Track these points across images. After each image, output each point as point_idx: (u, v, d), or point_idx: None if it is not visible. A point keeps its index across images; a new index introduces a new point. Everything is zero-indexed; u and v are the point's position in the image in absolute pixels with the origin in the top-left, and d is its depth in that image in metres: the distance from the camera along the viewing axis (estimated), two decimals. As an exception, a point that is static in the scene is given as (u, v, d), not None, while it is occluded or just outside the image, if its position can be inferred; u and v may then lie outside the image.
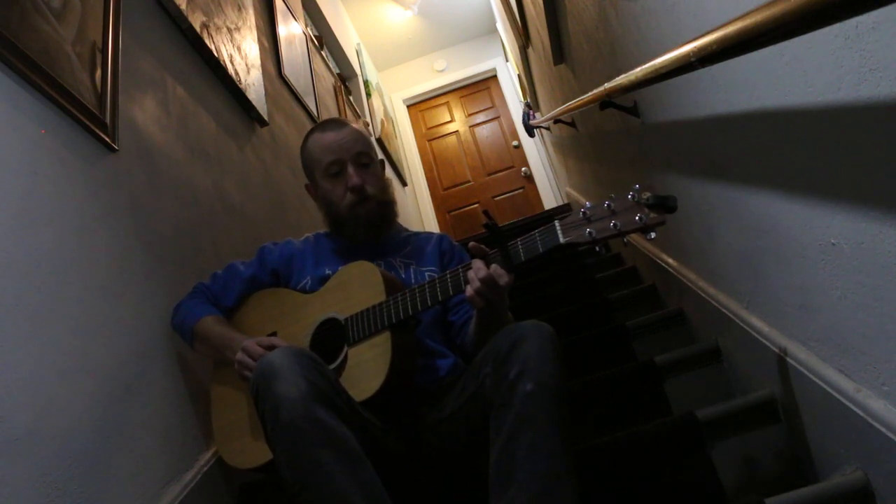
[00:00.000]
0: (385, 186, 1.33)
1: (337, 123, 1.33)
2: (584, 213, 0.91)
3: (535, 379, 0.88)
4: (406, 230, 1.43)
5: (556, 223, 0.93)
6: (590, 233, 0.89)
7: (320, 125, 1.35)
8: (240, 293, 1.31)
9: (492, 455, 0.89)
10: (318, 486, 0.81)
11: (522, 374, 0.88)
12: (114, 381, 1.08)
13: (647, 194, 0.86)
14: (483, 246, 1.01)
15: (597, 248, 0.93)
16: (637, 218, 0.86)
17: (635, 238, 2.23)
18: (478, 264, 0.98)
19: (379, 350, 1.05)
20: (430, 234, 1.42)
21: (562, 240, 0.92)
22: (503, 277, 0.97)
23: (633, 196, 0.88)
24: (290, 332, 1.20)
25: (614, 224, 0.88)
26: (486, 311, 1.05)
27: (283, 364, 0.88)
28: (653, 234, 0.86)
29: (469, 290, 0.98)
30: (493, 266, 0.97)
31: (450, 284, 1.03)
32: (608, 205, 0.90)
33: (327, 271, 1.26)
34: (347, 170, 1.27)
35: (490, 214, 0.98)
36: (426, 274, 1.28)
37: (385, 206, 1.31)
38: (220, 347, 1.19)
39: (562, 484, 0.83)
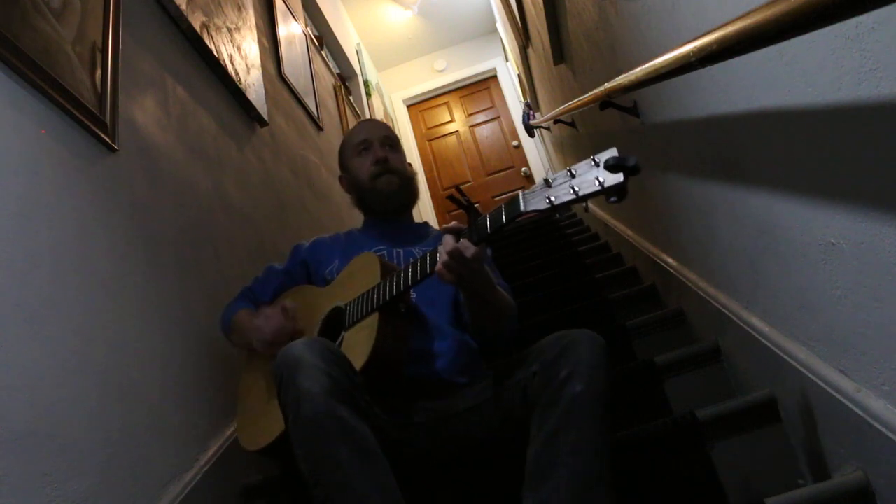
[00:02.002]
0: (409, 173, 1.46)
1: (369, 119, 1.51)
2: (546, 180, 0.89)
3: (586, 381, 0.88)
4: (419, 223, 1.53)
5: (520, 193, 0.92)
6: (549, 199, 0.86)
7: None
8: (276, 287, 1.41)
9: (531, 449, 0.89)
10: (334, 483, 0.82)
11: (572, 376, 0.89)
12: (114, 381, 1.08)
13: (608, 157, 0.81)
14: (456, 224, 1.03)
15: (556, 216, 0.90)
16: (595, 179, 0.81)
17: (633, 235, 2.23)
18: (446, 238, 0.99)
19: (366, 332, 1.07)
20: (436, 229, 1.52)
21: (523, 208, 0.90)
22: (469, 249, 0.97)
23: (593, 160, 0.83)
24: (306, 323, 1.26)
25: (573, 188, 0.83)
26: (464, 287, 1.07)
27: (307, 357, 0.89)
28: (613, 199, 0.81)
29: (438, 265, 0.99)
30: (462, 240, 0.98)
31: (428, 262, 1.05)
32: (570, 171, 0.86)
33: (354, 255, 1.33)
34: (374, 145, 1.42)
35: (461, 190, 0.97)
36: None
37: (408, 182, 1.43)
38: (246, 332, 1.28)
39: (601, 486, 0.84)
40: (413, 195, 1.45)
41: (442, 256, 0.98)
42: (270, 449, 1.10)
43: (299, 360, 0.89)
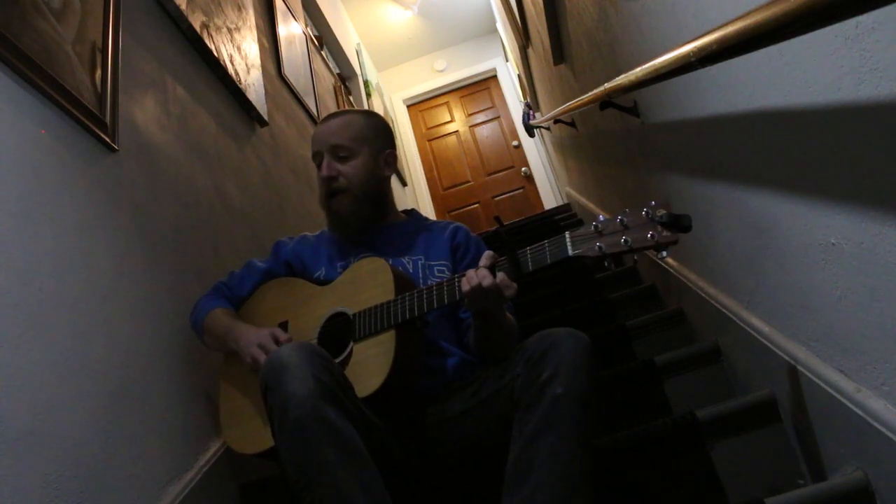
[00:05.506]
0: (369, 181, 1.27)
1: (333, 115, 1.33)
2: (595, 226, 0.91)
3: (566, 384, 0.88)
4: (423, 220, 1.40)
5: (567, 235, 0.93)
6: (599, 247, 0.89)
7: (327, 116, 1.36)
8: (255, 285, 1.33)
9: (512, 452, 0.89)
10: (322, 485, 0.82)
11: (554, 378, 0.89)
12: (114, 381, 1.08)
13: (662, 212, 0.85)
14: (492, 252, 1.01)
15: (605, 264, 0.91)
16: (649, 235, 0.85)
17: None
18: (483, 272, 0.98)
19: (382, 348, 1.05)
20: (447, 224, 1.36)
21: (570, 252, 0.92)
22: (509, 289, 0.97)
23: (647, 212, 0.86)
24: (301, 322, 1.21)
25: (625, 240, 0.87)
26: (483, 314, 1.05)
27: (293, 360, 0.88)
28: (664, 254, 0.85)
29: (466, 289, 0.98)
30: (500, 274, 0.97)
31: (457, 288, 1.03)
32: (621, 220, 0.89)
33: (339, 263, 1.27)
34: (323, 159, 1.27)
35: (501, 221, 0.98)
36: (436, 269, 1.26)
37: (361, 203, 1.26)
38: (223, 336, 1.21)
39: (579, 490, 0.84)
40: (375, 213, 1.29)
41: (473, 282, 0.98)
42: (269, 452, 1.08)
43: (285, 365, 0.88)
